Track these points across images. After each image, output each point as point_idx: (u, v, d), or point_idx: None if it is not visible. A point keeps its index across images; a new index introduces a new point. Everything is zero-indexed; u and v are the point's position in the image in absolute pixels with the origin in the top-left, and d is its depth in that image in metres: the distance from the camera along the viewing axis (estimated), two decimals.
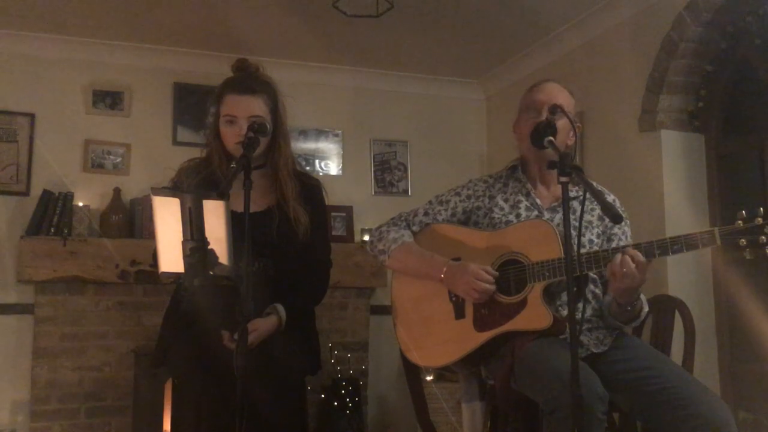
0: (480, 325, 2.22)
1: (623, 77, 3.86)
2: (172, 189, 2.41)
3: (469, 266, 2.22)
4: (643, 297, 2.21)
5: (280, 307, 2.43)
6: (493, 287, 2.19)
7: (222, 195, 1.94)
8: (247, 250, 1.97)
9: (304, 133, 4.82)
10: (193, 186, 2.43)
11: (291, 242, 2.50)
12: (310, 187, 2.63)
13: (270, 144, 2.53)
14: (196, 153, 2.71)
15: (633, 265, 1.97)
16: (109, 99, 4.48)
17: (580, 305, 2.07)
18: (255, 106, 2.47)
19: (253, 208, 2.42)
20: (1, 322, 4.12)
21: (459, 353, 2.25)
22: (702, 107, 3.60)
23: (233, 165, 2.11)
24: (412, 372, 2.51)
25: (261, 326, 2.37)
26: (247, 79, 2.55)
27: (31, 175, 4.27)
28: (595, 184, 2.17)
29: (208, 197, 1.94)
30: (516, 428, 2.22)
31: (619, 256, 2.00)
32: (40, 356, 4.05)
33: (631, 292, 2.06)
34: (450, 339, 2.28)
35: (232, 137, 2.45)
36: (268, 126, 2.38)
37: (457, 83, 5.20)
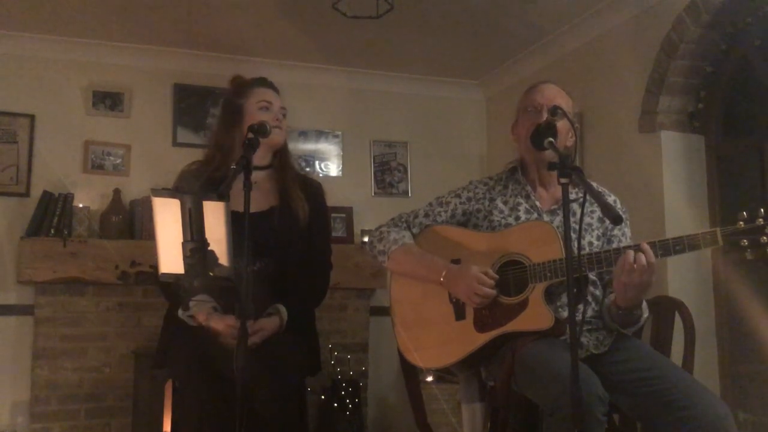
0: (481, 325, 2.22)
1: (623, 78, 3.86)
2: (172, 191, 2.41)
3: (471, 270, 2.22)
4: (644, 303, 2.20)
5: (282, 308, 2.44)
6: (494, 292, 2.19)
7: (222, 196, 1.94)
8: (246, 250, 1.97)
9: (303, 134, 4.82)
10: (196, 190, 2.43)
11: (292, 243, 2.51)
12: (312, 189, 2.66)
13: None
14: (196, 154, 2.73)
15: (644, 261, 1.97)
16: (109, 100, 4.48)
17: (580, 306, 2.07)
18: (281, 101, 2.65)
19: (255, 208, 2.46)
20: (2, 323, 4.12)
21: (459, 354, 2.25)
22: (702, 108, 3.60)
23: (233, 166, 2.12)
24: (410, 374, 2.51)
25: (265, 326, 2.38)
26: (267, 80, 2.70)
27: (31, 176, 4.27)
28: (595, 185, 2.17)
29: (208, 198, 1.94)
30: (516, 429, 2.21)
31: (631, 252, 1.99)
32: (40, 357, 4.05)
33: (634, 294, 2.05)
34: (450, 340, 2.27)
35: (270, 121, 2.52)
36: (268, 127, 2.39)
37: (457, 84, 5.20)
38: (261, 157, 2.59)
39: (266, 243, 2.44)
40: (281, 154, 2.65)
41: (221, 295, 2.39)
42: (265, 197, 2.56)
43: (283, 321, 2.43)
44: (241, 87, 2.65)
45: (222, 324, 2.34)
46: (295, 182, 2.61)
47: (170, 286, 2.40)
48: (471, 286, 2.19)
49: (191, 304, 2.40)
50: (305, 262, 2.56)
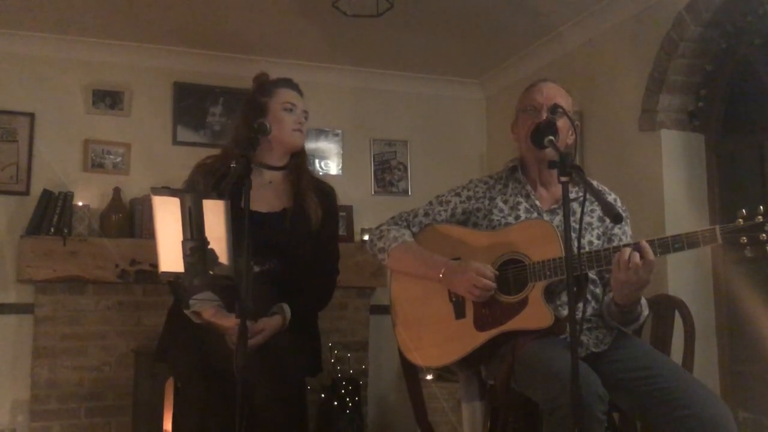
0: (480, 324, 2.22)
1: (623, 77, 3.86)
2: (185, 189, 2.41)
3: (470, 264, 2.22)
4: (643, 301, 2.20)
5: (286, 307, 2.44)
6: (494, 285, 2.19)
7: (221, 194, 1.94)
8: (247, 249, 1.98)
9: None
10: (211, 186, 2.43)
11: (302, 245, 2.51)
12: (325, 193, 2.67)
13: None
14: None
15: (638, 259, 1.97)
16: (109, 99, 4.48)
17: (580, 305, 2.07)
18: (304, 104, 2.65)
19: (268, 208, 2.48)
20: (1, 321, 4.12)
21: (459, 353, 2.25)
22: (702, 107, 3.60)
23: (232, 164, 2.12)
24: (410, 373, 2.51)
25: (267, 326, 2.38)
26: (293, 81, 2.70)
27: (31, 174, 4.27)
28: (595, 183, 2.17)
29: (208, 196, 1.94)
30: (516, 428, 2.21)
31: (627, 250, 1.99)
32: (40, 356, 4.05)
33: (631, 291, 2.05)
34: (450, 339, 2.28)
35: (292, 124, 2.56)
36: (268, 126, 2.39)
37: (457, 83, 5.20)
38: (278, 158, 2.60)
39: (276, 244, 2.45)
40: (299, 156, 2.66)
41: (223, 294, 2.39)
42: (278, 198, 2.57)
43: (286, 320, 2.43)
44: (266, 85, 2.64)
45: (233, 321, 2.33)
46: (310, 185, 2.61)
47: (175, 283, 2.40)
48: (470, 279, 2.19)
49: (191, 302, 2.40)
50: (313, 265, 2.57)
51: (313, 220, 2.55)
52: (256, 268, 2.39)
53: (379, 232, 2.45)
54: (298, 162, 2.65)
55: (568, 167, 1.84)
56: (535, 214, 2.32)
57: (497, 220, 2.33)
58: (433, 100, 5.18)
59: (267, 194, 2.53)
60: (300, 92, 2.67)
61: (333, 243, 2.69)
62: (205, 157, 2.66)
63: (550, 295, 2.17)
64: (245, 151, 2.13)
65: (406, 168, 5.10)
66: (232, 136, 2.72)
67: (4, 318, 4.12)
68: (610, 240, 2.31)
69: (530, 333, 2.12)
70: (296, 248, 2.51)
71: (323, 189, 2.67)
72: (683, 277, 3.45)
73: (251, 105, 2.63)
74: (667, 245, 1.99)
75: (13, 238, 4.14)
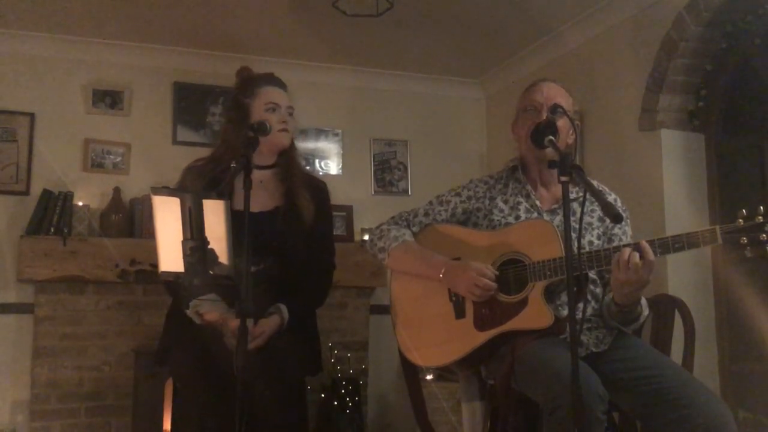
0: (480, 324, 2.22)
1: (623, 77, 3.86)
2: (172, 189, 2.40)
3: (471, 264, 2.22)
4: (644, 301, 2.20)
5: (283, 307, 2.44)
6: (494, 285, 2.19)
7: (221, 194, 1.94)
8: (247, 249, 1.98)
9: (303, 133, 4.82)
10: (200, 189, 2.41)
11: (297, 243, 2.51)
12: (317, 188, 2.66)
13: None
14: (196, 152, 2.72)
15: (638, 259, 1.97)
16: (108, 98, 4.48)
17: (580, 305, 2.07)
18: (288, 99, 2.61)
19: (260, 208, 2.47)
20: (1, 321, 4.12)
21: (459, 353, 2.25)
22: (702, 107, 3.60)
23: (233, 164, 2.12)
24: (410, 372, 2.51)
25: (266, 327, 2.37)
26: (275, 77, 2.65)
27: (30, 174, 4.27)
28: (595, 183, 2.17)
29: (208, 197, 1.94)
30: (516, 428, 2.21)
31: (627, 250, 1.99)
32: (40, 356, 4.04)
33: (630, 291, 2.05)
34: (450, 339, 2.28)
35: (276, 124, 2.53)
36: (268, 126, 2.38)
37: (457, 83, 5.20)
38: (265, 157, 2.58)
39: (270, 243, 2.44)
40: (287, 154, 2.63)
41: (223, 294, 2.39)
42: (270, 197, 2.56)
43: (284, 320, 2.43)
44: (248, 84, 2.61)
45: (237, 323, 2.32)
46: (302, 182, 2.60)
47: (174, 283, 2.39)
48: (471, 278, 2.19)
49: (192, 303, 2.40)
50: (308, 262, 2.56)
51: (306, 217, 2.53)
52: (252, 268, 2.38)
53: (379, 232, 2.45)
54: (287, 159, 2.63)
55: (568, 167, 1.83)
56: (536, 214, 2.32)
57: (497, 219, 2.33)
58: (433, 100, 5.17)
59: (258, 194, 2.51)
60: (283, 87, 2.62)
61: (327, 238, 2.68)
62: (195, 159, 2.65)
63: (550, 295, 2.17)
64: (246, 151, 2.13)
65: (406, 168, 5.09)
66: (221, 138, 2.69)
67: (4, 318, 4.12)
68: (610, 240, 2.31)
69: (530, 333, 2.13)
70: (290, 246, 2.49)
71: (315, 184, 2.66)
72: (683, 277, 3.45)
73: (235, 106, 2.61)
74: (667, 245, 1.99)
75: (13, 238, 4.14)
